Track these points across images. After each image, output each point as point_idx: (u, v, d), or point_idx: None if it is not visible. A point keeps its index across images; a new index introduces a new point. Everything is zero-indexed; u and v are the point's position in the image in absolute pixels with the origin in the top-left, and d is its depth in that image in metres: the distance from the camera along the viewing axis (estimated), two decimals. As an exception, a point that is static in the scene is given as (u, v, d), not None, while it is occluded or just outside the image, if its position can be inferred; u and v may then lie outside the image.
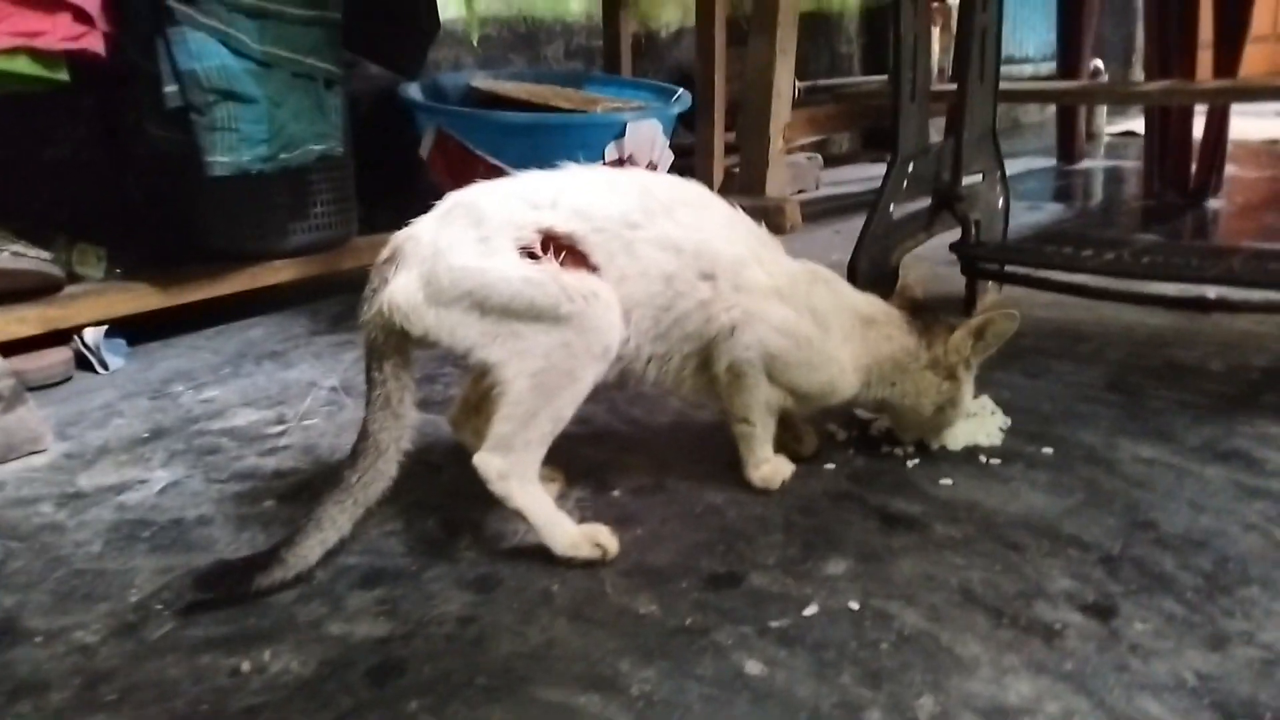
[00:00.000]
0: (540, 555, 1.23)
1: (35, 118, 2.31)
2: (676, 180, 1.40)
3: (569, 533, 1.23)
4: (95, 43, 1.77)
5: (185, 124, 1.90)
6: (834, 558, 1.22)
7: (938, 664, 1.01)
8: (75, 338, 2.07)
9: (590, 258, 1.26)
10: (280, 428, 1.73)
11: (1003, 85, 2.04)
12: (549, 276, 1.21)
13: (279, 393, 1.91)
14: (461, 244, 1.23)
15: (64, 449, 1.68)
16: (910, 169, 1.81)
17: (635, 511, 1.36)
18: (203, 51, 1.85)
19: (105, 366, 2.07)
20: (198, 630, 1.13)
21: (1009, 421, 1.58)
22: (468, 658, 1.06)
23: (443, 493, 1.43)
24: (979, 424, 1.54)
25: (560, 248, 1.24)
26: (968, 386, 1.45)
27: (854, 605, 1.11)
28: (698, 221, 1.33)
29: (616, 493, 1.42)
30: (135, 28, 1.87)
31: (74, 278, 2.23)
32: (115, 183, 2.44)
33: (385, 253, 1.28)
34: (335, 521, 1.21)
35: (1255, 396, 1.68)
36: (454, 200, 1.29)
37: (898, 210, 1.84)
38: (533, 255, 1.23)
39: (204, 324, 2.33)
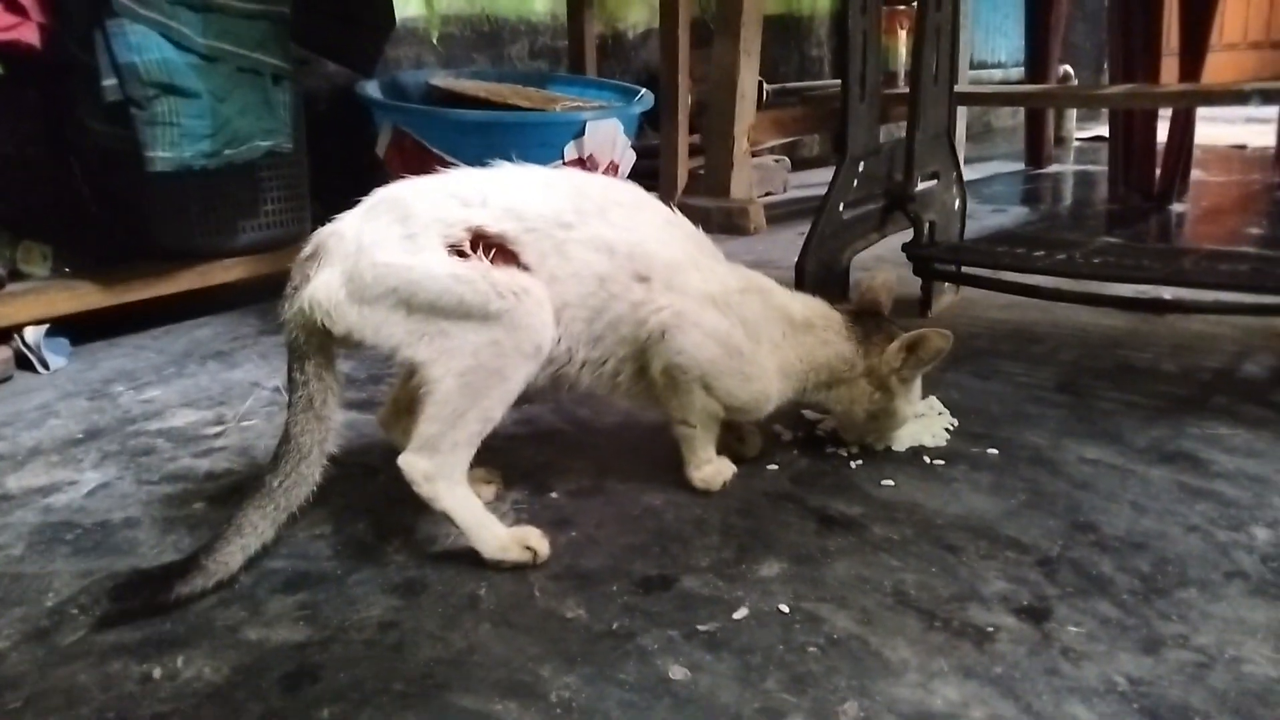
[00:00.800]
0: (470, 559, 1.20)
1: (-21, 112, 2.26)
2: (611, 181, 1.38)
3: (498, 535, 1.20)
4: (29, 34, 1.73)
5: (125, 118, 1.85)
6: (768, 560, 1.19)
7: (865, 668, 0.99)
8: (15, 337, 2.02)
9: (521, 257, 1.23)
10: (218, 429, 1.69)
11: (967, 88, 2.03)
12: (478, 274, 1.19)
13: (221, 393, 1.87)
14: (386, 240, 1.20)
15: (-5, 450, 1.63)
16: (861, 169, 1.79)
17: (572, 514, 1.33)
18: (143, 44, 1.81)
19: (46, 366, 2.02)
20: (111, 636, 1.09)
21: (956, 422, 1.56)
22: (385, 664, 1.03)
23: (376, 495, 1.40)
24: (925, 425, 1.52)
25: (490, 247, 1.21)
26: (905, 398, 1.42)
27: (784, 608, 1.09)
28: (632, 223, 1.31)
29: (555, 494, 1.39)
30: (73, 19, 1.83)
31: (19, 276, 2.18)
32: (61, 179, 2.39)
33: (307, 249, 1.24)
34: (257, 527, 1.17)
35: (1205, 398, 1.67)
36: (380, 196, 1.26)
37: (850, 211, 1.82)
38: (461, 253, 1.20)
39: (151, 323, 2.29)
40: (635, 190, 1.36)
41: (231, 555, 1.16)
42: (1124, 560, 1.17)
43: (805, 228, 3.22)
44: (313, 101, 2.78)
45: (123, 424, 1.73)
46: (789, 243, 3.02)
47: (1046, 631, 1.04)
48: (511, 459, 1.47)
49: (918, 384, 1.45)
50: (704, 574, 1.17)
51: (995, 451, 1.47)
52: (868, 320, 1.43)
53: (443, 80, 2.81)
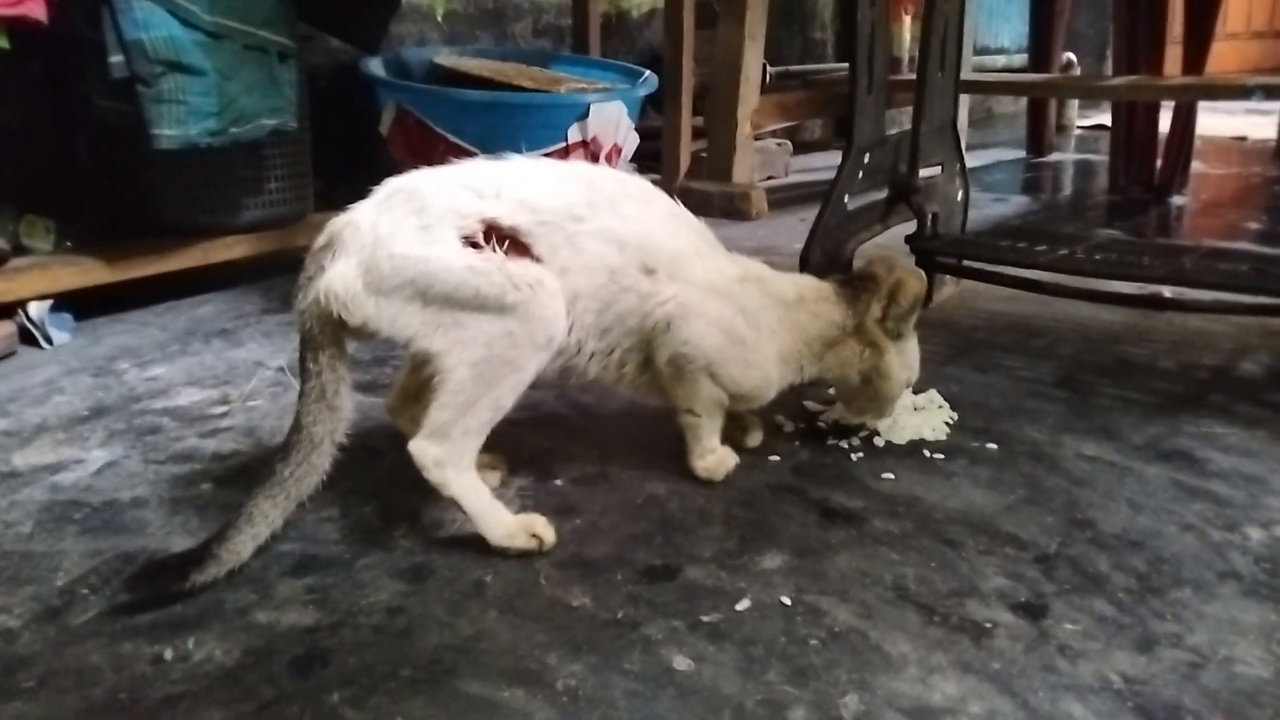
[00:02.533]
0: (476, 545, 1.22)
1: (-19, 84, 2.25)
2: (620, 174, 1.39)
3: (505, 522, 1.22)
4: (36, 9, 1.72)
5: (132, 95, 1.85)
6: (770, 552, 1.21)
7: (865, 662, 1.01)
8: (19, 312, 2.03)
9: (533, 249, 1.24)
10: (224, 408, 1.70)
11: (970, 75, 2.02)
12: (494, 265, 1.20)
13: (225, 372, 1.87)
14: (402, 231, 1.21)
15: (1, 426, 1.64)
16: (866, 160, 1.79)
17: (576, 501, 1.35)
18: (150, 21, 1.80)
19: (50, 342, 2.02)
20: (123, 617, 1.11)
21: (956, 416, 1.57)
22: (394, 649, 1.04)
23: (383, 480, 1.41)
24: (925, 418, 1.54)
25: (503, 238, 1.22)
26: (897, 356, 1.42)
27: (786, 600, 1.11)
28: (641, 215, 1.32)
29: (559, 482, 1.41)
30: (80, -6, 1.83)
31: (22, 250, 2.19)
32: (66, 153, 2.38)
33: (322, 239, 1.25)
34: (268, 516, 1.18)
35: (1202, 396, 1.69)
36: (394, 186, 1.26)
37: (854, 202, 1.83)
38: (475, 245, 1.21)
39: (154, 299, 2.29)
40: (643, 183, 1.38)
41: (243, 544, 1.17)
42: (1120, 558, 1.19)
43: (807, 213, 3.24)
44: (315, 78, 2.77)
45: (128, 402, 1.74)
46: (791, 228, 3.03)
47: (1043, 628, 1.06)
48: (515, 445, 1.48)
49: (912, 346, 1.45)
50: (707, 564, 1.19)
51: (995, 446, 1.49)
52: (857, 282, 1.44)
53: (447, 59, 2.80)
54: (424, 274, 1.19)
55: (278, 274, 2.43)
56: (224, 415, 1.67)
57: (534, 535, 1.21)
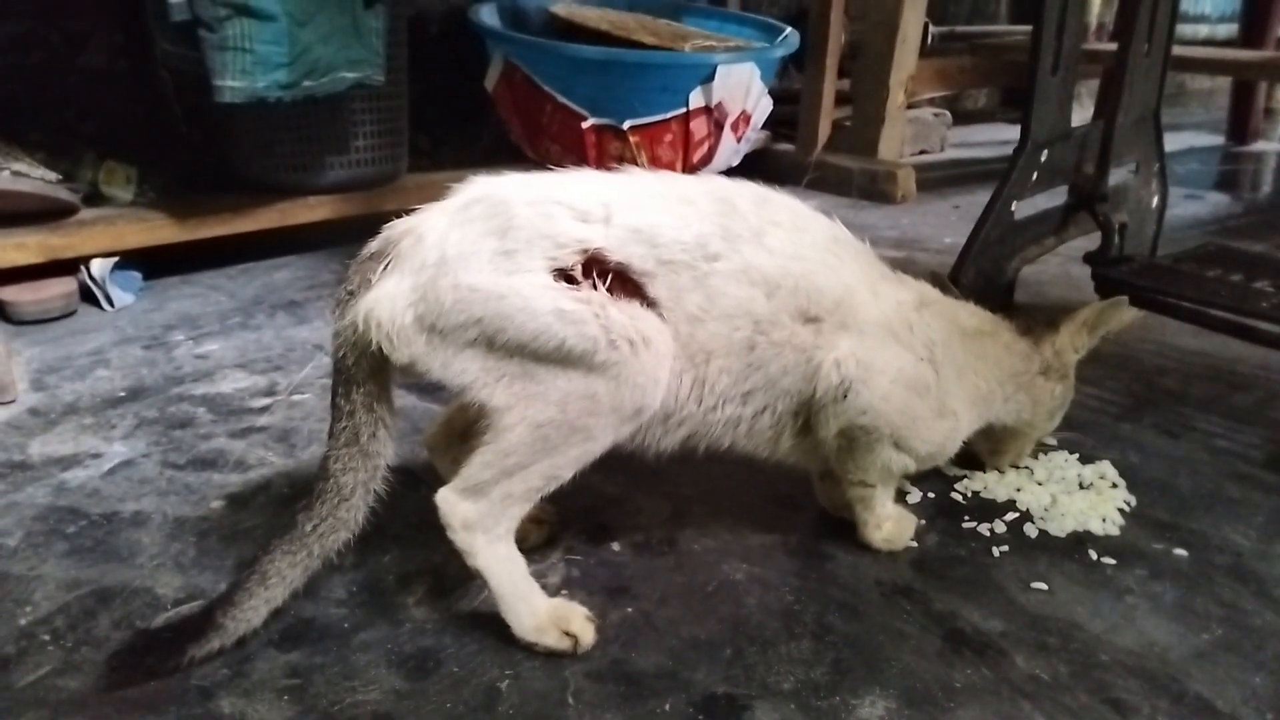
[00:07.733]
0: (499, 630, 0.98)
1: (68, 21, 2.11)
2: (764, 192, 1.07)
3: (536, 612, 0.97)
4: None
5: (196, 40, 1.66)
6: (872, 691, 0.92)
7: None
8: (82, 269, 1.90)
9: (648, 292, 0.97)
10: (266, 400, 1.52)
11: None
12: (591, 312, 0.92)
13: (280, 355, 1.69)
14: (477, 255, 0.94)
15: (33, 402, 1.51)
16: (1044, 158, 1.44)
17: (632, 577, 1.09)
18: (214, -43, 1.60)
19: (111, 303, 1.89)
20: (71, 681, 0.93)
21: (1133, 501, 1.23)
22: (365, 786, 0.82)
23: (411, 517, 1.18)
24: (1094, 503, 1.21)
25: (606, 273, 0.95)
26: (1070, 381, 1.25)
27: (885, 780, 0.82)
28: (794, 248, 1.03)
29: (616, 546, 1.15)
30: (142, -75, 1.63)
31: (100, 198, 2.06)
32: (153, 97, 2.24)
33: (374, 244, 1.00)
34: (285, 576, 0.98)
35: None
36: (477, 194, 0.99)
37: (1023, 210, 1.48)
38: (570, 279, 0.94)
39: (231, 259, 2.14)
40: (793, 204, 1.08)
41: (255, 610, 0.97)
42: (1367, 762, 0.85)
43: (962, 198, 2.85)
44: (423, 26, 2.56)
45: (169, 384, 1.57)
46: (940, 216, 2.66)
47: None
48: (573, 488, 1.22)
49: None
50: (784, 701, 0.91)
51: (1183, 552, 1.14)
52: (1017, 315, 1.24)
53: (564, 8, 2.53)
54: (496, 315, 0.92)
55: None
56: (264, 410, 1.48)
57: (568, 634, 0.96)
